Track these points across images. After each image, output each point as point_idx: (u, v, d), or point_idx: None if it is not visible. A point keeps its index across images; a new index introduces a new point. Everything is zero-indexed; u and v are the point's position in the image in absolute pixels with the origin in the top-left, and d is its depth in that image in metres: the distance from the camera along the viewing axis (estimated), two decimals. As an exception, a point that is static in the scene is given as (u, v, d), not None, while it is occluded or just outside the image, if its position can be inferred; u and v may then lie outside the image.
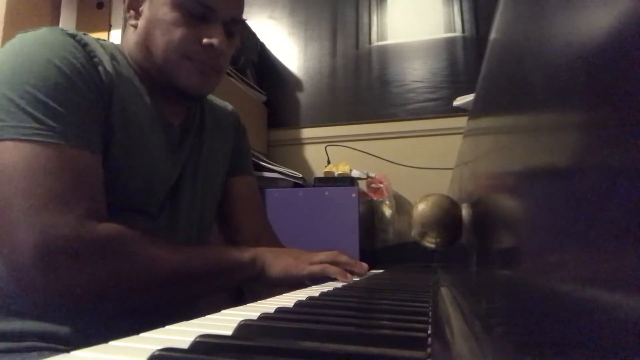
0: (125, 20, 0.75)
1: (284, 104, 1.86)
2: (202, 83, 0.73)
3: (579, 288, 0.12)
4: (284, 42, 1.90)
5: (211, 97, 0.91)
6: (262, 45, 1.88)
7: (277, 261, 0.74)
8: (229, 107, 0.95)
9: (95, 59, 0.64)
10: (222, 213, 0.91)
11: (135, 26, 0.72)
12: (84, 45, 0.63)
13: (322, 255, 0.76)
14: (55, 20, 1.43)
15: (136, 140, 0.67)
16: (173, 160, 0.74)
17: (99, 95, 0.62)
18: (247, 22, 1.79)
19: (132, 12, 0.72)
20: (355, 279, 0.77)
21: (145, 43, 0.71)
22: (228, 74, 1.49)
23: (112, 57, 0.68)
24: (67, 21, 1.45)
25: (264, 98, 1.80)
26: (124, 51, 0.73)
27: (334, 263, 0.75)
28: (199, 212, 0.81)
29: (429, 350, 0.27)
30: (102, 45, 0.68)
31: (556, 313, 0.14)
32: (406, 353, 0.25)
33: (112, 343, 0.28)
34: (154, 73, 0.72)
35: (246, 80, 1.63)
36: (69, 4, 1.46)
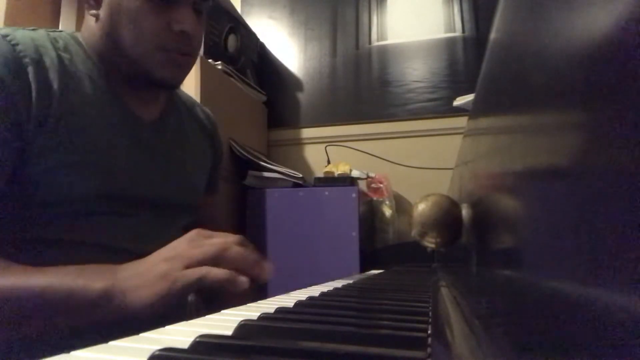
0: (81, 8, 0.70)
1: (284, 104, 1.86)
2: (177, 73, 0.69)
3: (578, 288, 0.12)
4: (284, 42, 1.90)
5: (192, 100, 0.88)
6: (262, 45, 1.88)
7: (141, 279, 0.52)
8: (210, 114, 0.90)
9: (25, 60, 0.58)
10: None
11: (96, 16, 0.66)
12: (14, 45, 0.58)
13: (204, 250, 0.52)
14: (55, 20, 1.43)
15: (89, 142, 0.62)
16: (144, 158, 0.70)
17: (16, 103, 0.57)
18: (247, 22, 1.80)
19: (90, 1, 0.66)
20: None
21: (112, 36, 0.65)
22: (228, 74, 1.49)
23: (65, 50, 0.63)
24: (67, 21, 1.45)
25: (264, 98, 1.80)
26: (82, 42, 0.68)
27: (220, 259, 0.52)
28: (185, 214, 0.77)
29: (429, 350, 0.27)
30: (53, 39, 0.63)
31: (556, 313, 0.14)
32: (406, 353, 0.25)
33: (112, 343, 0.28)
34: (122, 66, 0.67)
35: (246, 80, 1.63)
36: (69, 4, 1.46)
